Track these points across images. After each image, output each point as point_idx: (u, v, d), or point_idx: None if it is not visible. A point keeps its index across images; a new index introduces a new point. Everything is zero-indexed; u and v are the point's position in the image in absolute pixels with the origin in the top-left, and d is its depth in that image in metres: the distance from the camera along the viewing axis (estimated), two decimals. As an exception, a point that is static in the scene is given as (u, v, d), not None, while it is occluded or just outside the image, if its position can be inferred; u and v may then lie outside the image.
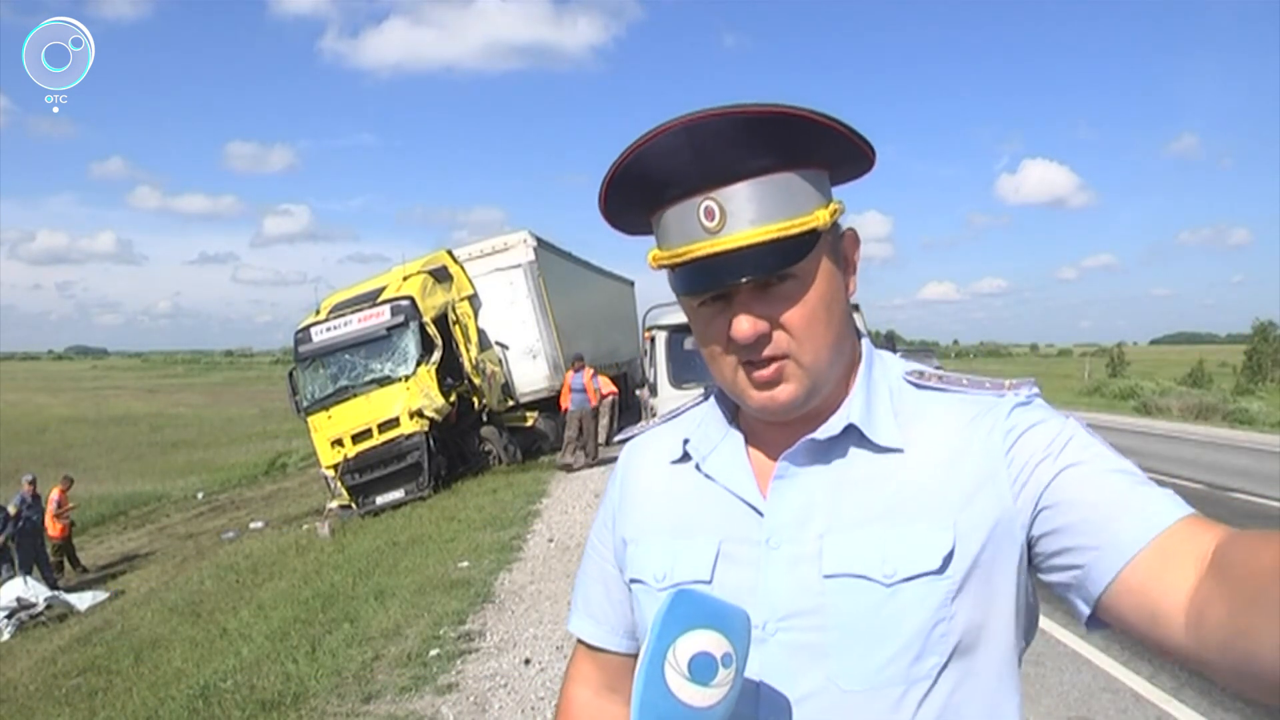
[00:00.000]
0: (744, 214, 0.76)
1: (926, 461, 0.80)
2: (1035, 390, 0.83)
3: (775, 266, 0.76)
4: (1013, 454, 0.78)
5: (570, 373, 12.92)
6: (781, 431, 0.84)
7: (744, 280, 0.76)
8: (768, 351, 0.78)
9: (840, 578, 0.77)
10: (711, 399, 0.93)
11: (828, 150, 0.79)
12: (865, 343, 0.88)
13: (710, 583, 0.82)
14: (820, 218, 0.77)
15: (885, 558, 0.77)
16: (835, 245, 0.82)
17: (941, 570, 0.75)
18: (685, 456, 0.90)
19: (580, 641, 0.99)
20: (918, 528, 0.77)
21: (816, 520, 0.80)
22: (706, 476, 0.87)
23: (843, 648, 0.77)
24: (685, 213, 0.78)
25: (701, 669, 0.70)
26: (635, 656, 0.94)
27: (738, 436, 0.88)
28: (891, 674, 0.76)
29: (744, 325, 0.77)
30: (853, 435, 0.82)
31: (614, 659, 0.96)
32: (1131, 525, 0.70)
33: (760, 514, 0.82)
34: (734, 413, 0.89)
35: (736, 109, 0.73)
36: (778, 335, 0.78)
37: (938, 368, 1.02)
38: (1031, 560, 0.78)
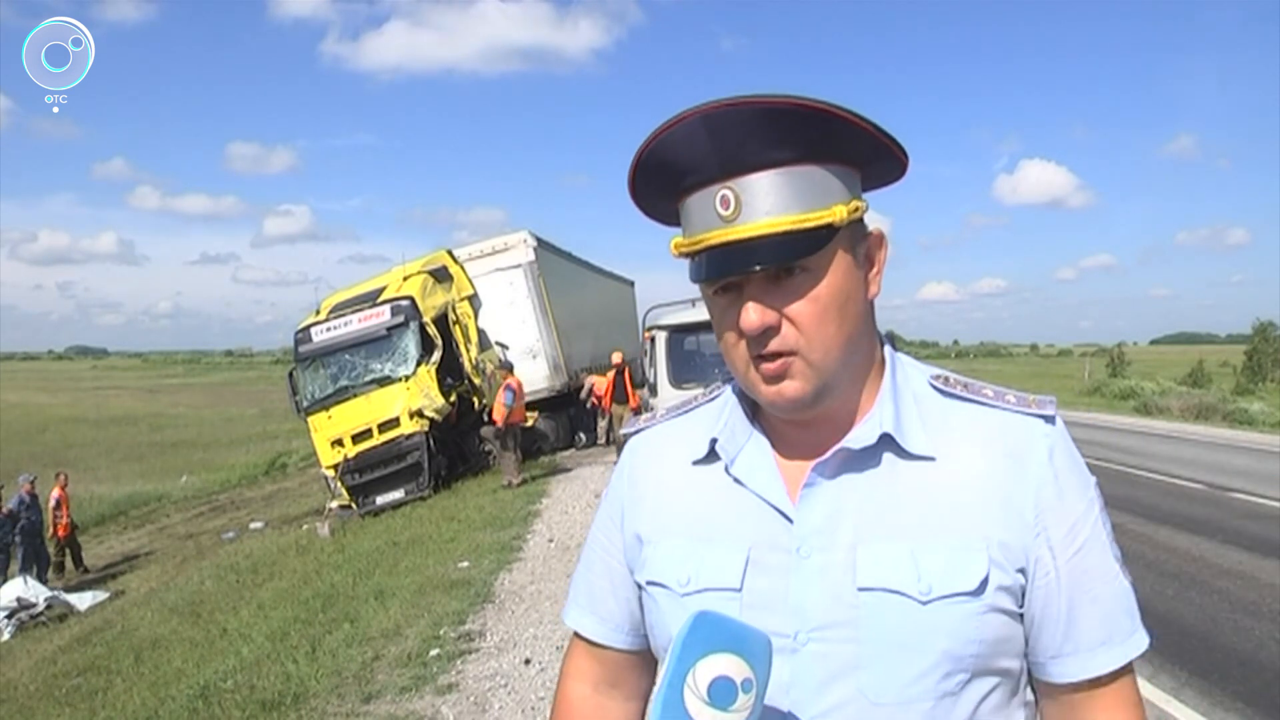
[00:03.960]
0: (760, 204, 0.75)
1: (958, 474, 0.80)
2: (1056, 413, 0.83)
3: (786, 257, 0.75)
4: (1045, 508, 0.79)
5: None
6: (806, 433, 0.83)
7: (755, 269, 0.76)
8: (775, 345, 0.78)
9: (875, 591, 0.77)
10: (731, 397, 0.90)
11: (852, 147, 0.78)
12: (888, 347, 0.87)
13: (740, 590, 0.81)
14: (838, 213, 0.76)
15: (920, 574, 0.76)
16: (855, 244, 0.80)
17: (977, 592, 0.76)
18: (712, 457, 0.87)
19: (578, 636, 0.98)
20: (952, 544, 0.77)
21: (847, 530, 0.79)
22: (735, 480, 0.85)
23: (874, 661, 0.77)
24: (704, 201, 0.78)
25: (721, 694, 0.69)
26: (637, 653, 0.94)
27: (763, 438, 0.86)
28: (922, 689, 0.76)
29: (752, 316, 0.76)
30: (885, 444, 0.81)
31: (614, 655, 0.95)
32: (1071, 664, 0.80)
33: (790, 521, 0.81)
34: (755, 412, 0.87)
35: (754, 99, 0.73)
36: (786, 329, 0.77)
37: None
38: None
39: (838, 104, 0.74)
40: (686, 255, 0.81)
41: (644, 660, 0.94)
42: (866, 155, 0.80)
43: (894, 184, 0.86)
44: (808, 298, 0.77)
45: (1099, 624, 0.80)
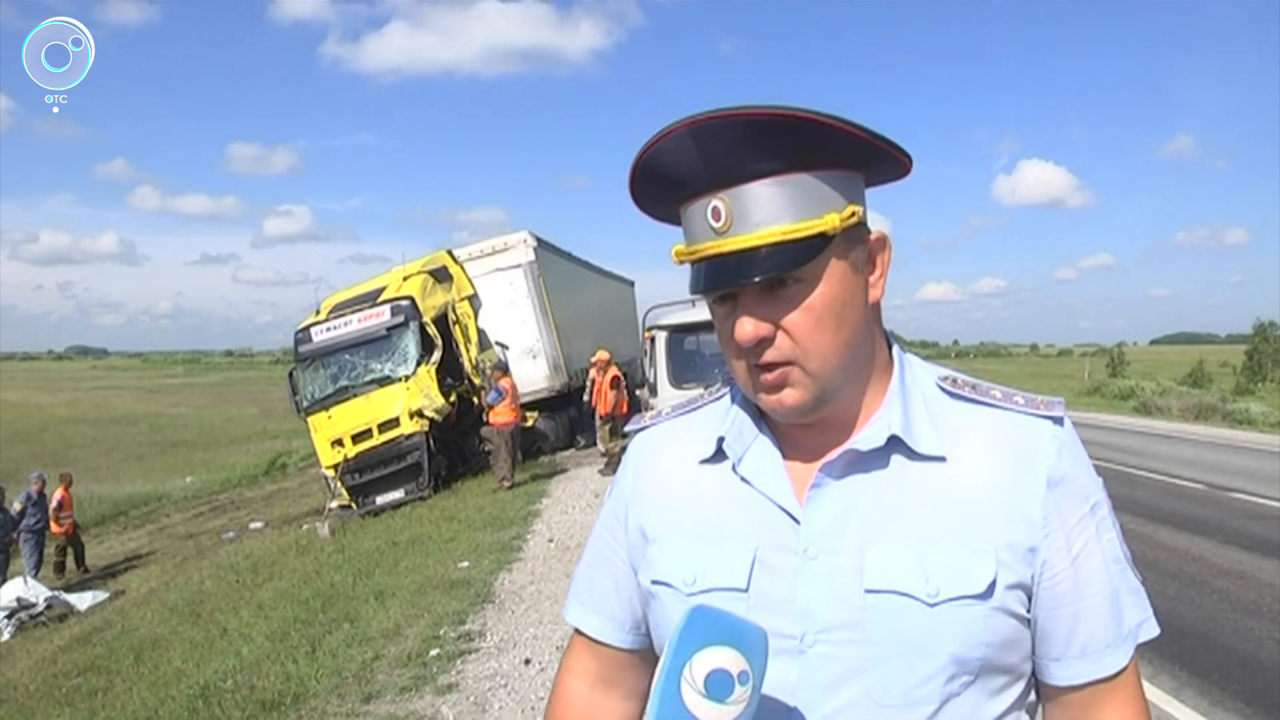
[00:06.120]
0: (751, 216, 0.75)
1: (966, 477, 0.80)
2: (1064, 415, 0.83)
3: (778, 269, 0.75)
4: (1053, 508, 0.79)
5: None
6: (813, 434, 0.83)
7: (744, 282, 0.76)
8: (771, 356, 0.78)
9: (883, 593, 0.77)
10: (737, 396, 0.89)
11: (845, 153, 0.77)
12: (895, 348, 0.87)
13: (746, 591, 0.81)
14: (830, 221, 0.76)
15: (928, 576, 0.77)
16: (852, 249, 0.79)
17: (985, 595, 0.76)
18: (719, 456, 0.87)
19: (578, 633, 0.97)
20: (960, 547, 0.77)
21: (855, 531, 0.79)
22: (743, 480, 0.85)
23: (882, 663, 0.77)
24: (698, 211, 0.78)
25: (717, 686, 0.70)
26: (636, 652, 0.94)
27: (770, 439, 0.85)
28: (928, 690, 0.76)
29: (746, 328, 0.77)
30: (893, 445, 0.81)
31: (613, 653, 0.95)
32: (1078, 666, 0.80)
33: (797, 522, 0.81)
34: (762, 412, 0.86)
35: (739, 111, 0.73)
36: (781, 339, 0.77)
37: None
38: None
39: (825, 112, 0.73)
40: (686, 262, 0.82)
41: (644, 659, 0.94)
42: (862, 158, 0.79)
43: (901, 179, 0.86)
44: (802, 308, 0.77)
45: (1106, 626, 0.80)
